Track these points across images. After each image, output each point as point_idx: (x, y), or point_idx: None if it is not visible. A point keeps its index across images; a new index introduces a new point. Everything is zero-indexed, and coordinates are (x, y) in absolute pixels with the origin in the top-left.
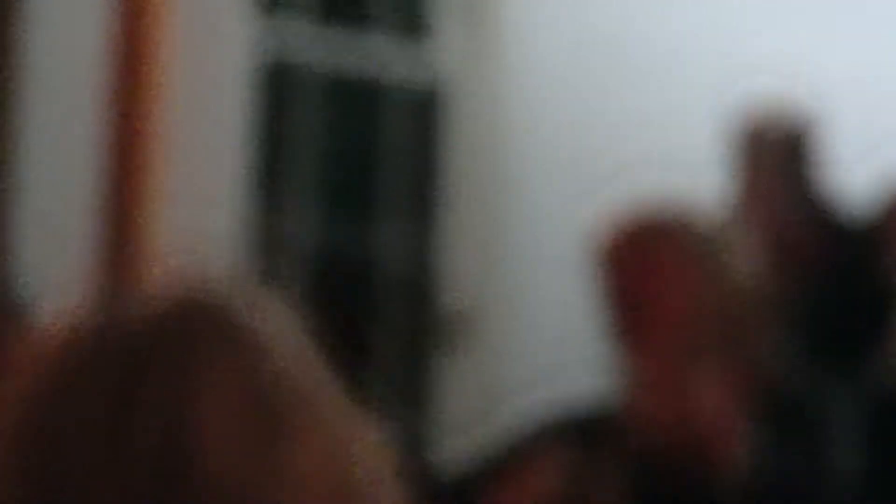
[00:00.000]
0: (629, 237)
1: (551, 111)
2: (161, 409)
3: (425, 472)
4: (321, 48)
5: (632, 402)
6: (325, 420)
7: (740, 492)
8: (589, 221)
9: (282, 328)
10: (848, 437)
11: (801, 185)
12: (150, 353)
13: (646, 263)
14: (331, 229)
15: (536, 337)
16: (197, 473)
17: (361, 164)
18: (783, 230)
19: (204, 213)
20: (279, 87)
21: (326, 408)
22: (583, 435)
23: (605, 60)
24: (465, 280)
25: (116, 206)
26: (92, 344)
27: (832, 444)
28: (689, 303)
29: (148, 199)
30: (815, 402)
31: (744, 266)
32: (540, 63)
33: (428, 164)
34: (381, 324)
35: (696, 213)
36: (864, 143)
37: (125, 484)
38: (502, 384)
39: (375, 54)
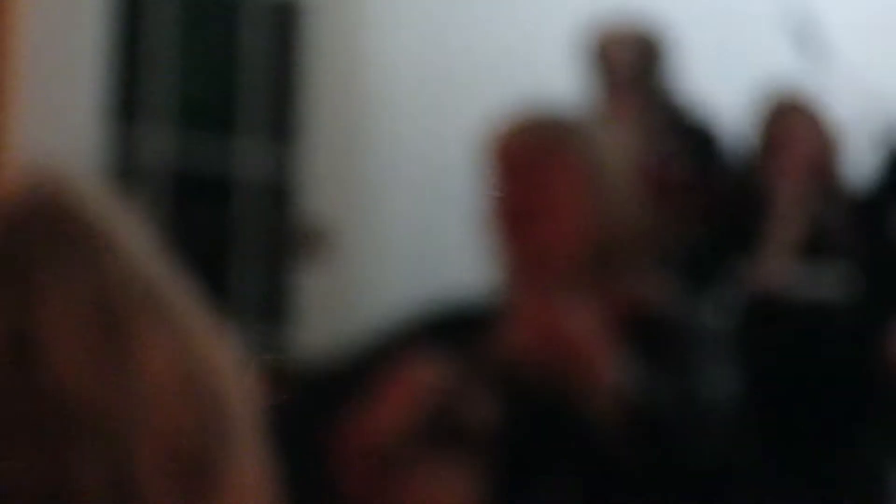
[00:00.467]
0: (528, 144)
1: (411, 27)
2: (4, 312)
3: (282, 373)
4: None
5: (505, 316)
6: (172, 321)
7: (608, 415)
8: (460, 133)
9: (131, 232)
10: (718, 359)
11: (656, 99)
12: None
13: (541, 173)
14: (189, 143)
15: (396, 250)
16: (41, 379)
17: (221, 78)
18: (649, 152)
19: (60, 129)
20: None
21: (175, 310)
22: (454, 336)
23: None
24: (324, 193)
25: None
26: None
27: (703, 370)
28: (574, 221)
29: (6, 111)
30: (685, 328)
31: (628, 190)
32: None
33: (288, 78)
34: (240, 236)
35: (589, 131)
36: (722, 64)
37: None
38: (361, 296)
39: None
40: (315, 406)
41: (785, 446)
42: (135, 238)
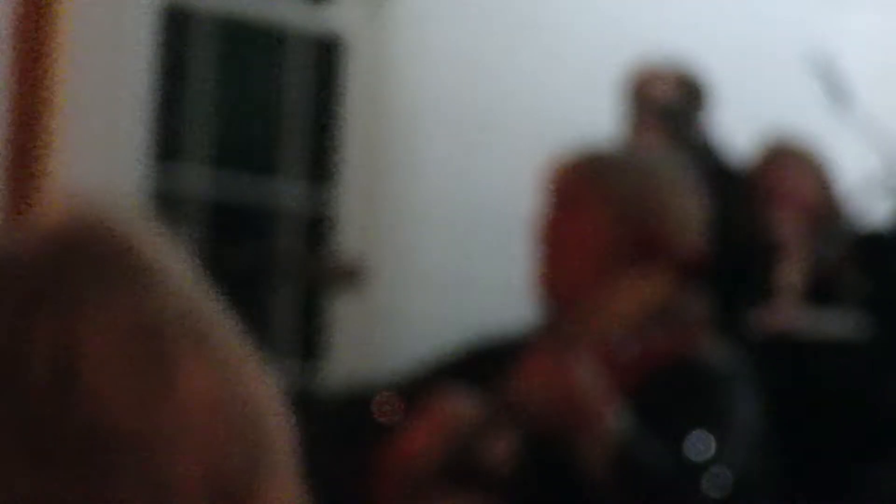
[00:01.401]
0: (575, 178)
1: (446, 64)
2: (50, 338)
3: (315, 405)
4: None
5: (526, 362)
6: (213, 349)
7: (604, 466)
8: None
9: (174, 263)
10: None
11: (686, 138)
12: (41, 283)
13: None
14: (227, 179)
15: (429, 286)
16: (84, 404)
17: (259, 117)
18: None
19: (104, 162)
20: (177, 33)
21: (215, 339)
22: (486, 369)
23: (500, 19)
24: (359, 229)
25: (18, 158)
26: None
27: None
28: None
29: (49, 148)
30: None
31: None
32: (434, 20)
33: (325, 117)
34: (276, 271)
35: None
36: (744, 104)
37: (16, 413)
38: (394, 331)
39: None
40: (346, 436)
41: (801, 479)
42: (177, 269)
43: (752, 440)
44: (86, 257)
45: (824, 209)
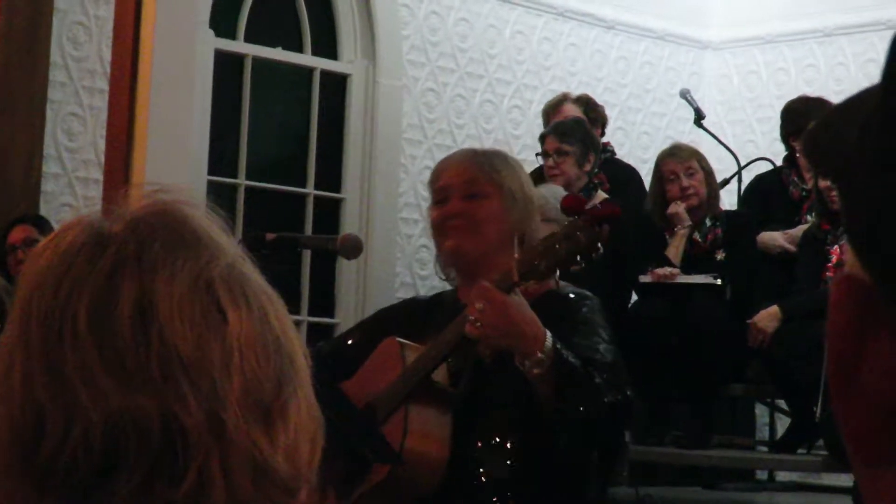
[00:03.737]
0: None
1: (417, 98)
2: (134, 292)
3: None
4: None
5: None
6: (252, 298)
7: (547, 374)
8: None
9: (221, 238)
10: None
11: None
12: (127, 251)
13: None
14: (262, 178)
15: (406, 259)
16: (157, 335)
17: (291, 141)
18: None
19: (174, 171)
20: (228, 72)
21: (254, 290)
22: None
23: (458, 61)
24: (357, 217)
25: (112, 169)
26: (90, 239)
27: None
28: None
29: (135, 160)
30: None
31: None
32: (409, 65)
33: (334, 134)
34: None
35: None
36: (633, 124)
37: (109, 346)
38: (381, 290)
39: None
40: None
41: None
42: (224, 241)
43: (611, 337)
44: (158, 233)
45: (708, 200)
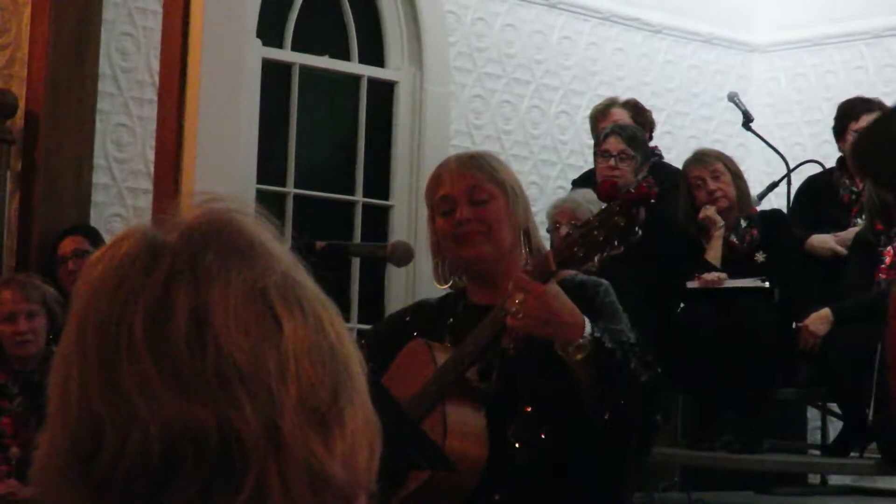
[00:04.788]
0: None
1: (463, 105)
2: (189, 303)
3: None
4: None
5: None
6: (307, 306)
7: (587, 361)
8: None
9: (275, 247)
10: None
11: (640, 149)
12: (181, 262)
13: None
14: (313, 187)
15: None
16: (213, 345)
17: (335, 142)
18: None
19: (224, 179)
20: (276, 81)
21: (308, 299)
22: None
23: (504, 68)
24: (406, 223)
25: (163, 177)
26: (144, 249)
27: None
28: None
29: (186, 167)
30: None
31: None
32: (454, 72)
33: (382, 141)
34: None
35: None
36: (681, 127)
37: (166, 355)
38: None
39: None
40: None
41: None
42: (277, 250)
43: (628, 319)
44: (212, 242)
45: (738, 202)
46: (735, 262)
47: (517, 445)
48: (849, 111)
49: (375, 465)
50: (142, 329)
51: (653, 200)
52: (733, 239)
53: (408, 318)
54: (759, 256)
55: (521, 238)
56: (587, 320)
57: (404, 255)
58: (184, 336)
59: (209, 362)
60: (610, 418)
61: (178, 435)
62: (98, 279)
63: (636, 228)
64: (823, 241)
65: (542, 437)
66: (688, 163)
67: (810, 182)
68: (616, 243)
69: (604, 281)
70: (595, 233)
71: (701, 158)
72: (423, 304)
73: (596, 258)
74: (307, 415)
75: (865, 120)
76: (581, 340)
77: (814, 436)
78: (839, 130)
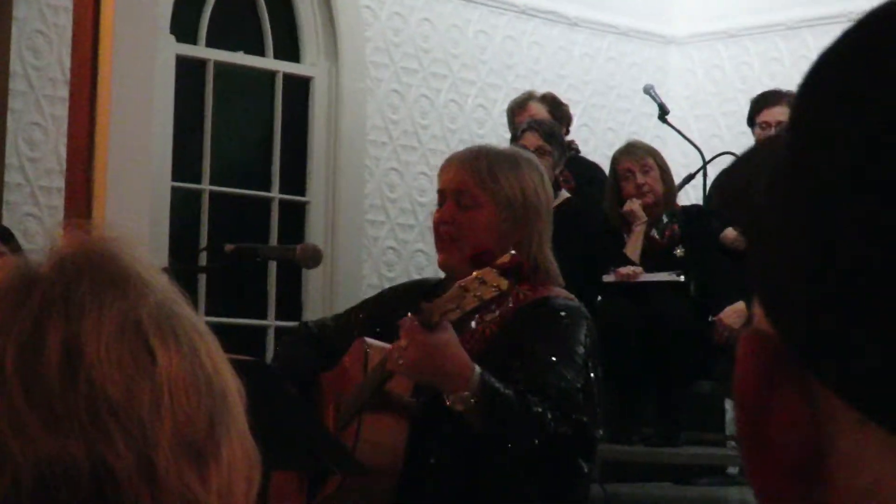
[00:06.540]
0: (472, 180)
1: (380, 99)
2: (61, 336)
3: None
4: None
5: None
6: (184, 337)
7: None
8: None
9: (152, 276)
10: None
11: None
12: (54, 294)
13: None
14: (227, 184)
15: (372, 260)
16: (85, 379)
17: (252, 144)
18: None
19: (137, 176)
20: (189, 77)
21: (185, 329)
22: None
23: (421, 61)
24: (322, 221)
25: (76, 170)
26: (17, 281)
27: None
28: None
29: (98, 163)
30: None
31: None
32: (371, 66)
33: (297, 138)
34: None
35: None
36: (598, 120)
37: (36, 391)
38: (348, 292)
39: None
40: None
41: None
42: (155, 280)
43: (583, 360)
44: (85, 273)
45: (664, 198)
46: (655, 257)
47: (431, 461)
48: (755, 104)
49: (253, 497)
50: (12, 363)
51: (521, 269)
52: (654, 234)
53: (401, 294)
54: (679, 251)
55: (509, 250)
56: (476, 369)
57: (313, 258)
58: (56, 369)
59: (81, 396)
60: (507, 464)
61: (50, 472)
62: None
63: (508, 298)
64: (738, 233)
65: (458, 459)
66: (619, 153)
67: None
68: (493, 308)
69: (582, 313)
70: (467, 296)
71: (632, 151)
72: (422, 283)
73: (474, 319)
74: (182, 448)
75: (768, 113)
76: (464, 393)
77: (732, 426)
78: (749, 123)
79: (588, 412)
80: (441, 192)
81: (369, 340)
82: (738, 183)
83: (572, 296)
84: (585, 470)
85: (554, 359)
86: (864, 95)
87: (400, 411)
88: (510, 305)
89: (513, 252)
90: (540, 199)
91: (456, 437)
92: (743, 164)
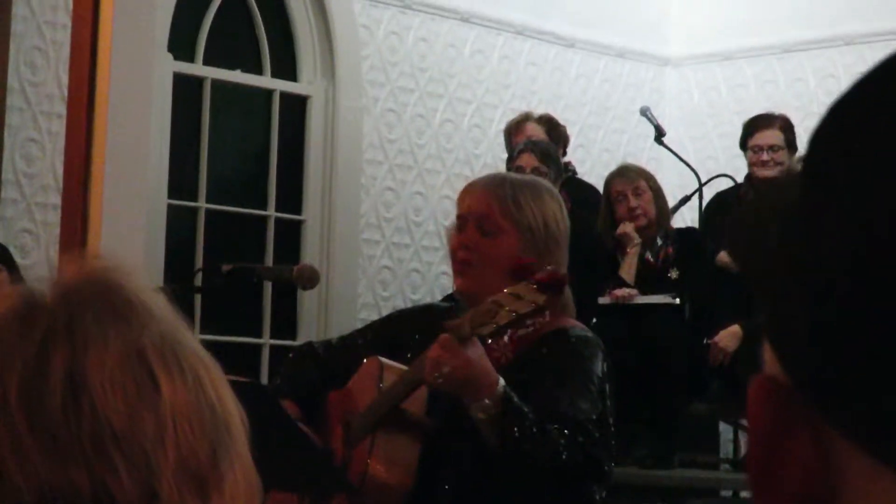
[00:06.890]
0: (492, 206)
1: (377, 117)
2: (64, 366)
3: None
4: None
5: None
6: (187, 366)
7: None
8: None
9: (155, 305)
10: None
11: (553, 165)
12: (57, 324)
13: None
14: (223, 203)
15: (369, 280)
16: (89, 409)
17: (247, 161)
18: None
19: (133, 193)
20: (186, 95)
21: (189, 358)
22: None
23: (419, 81)
24: (318, 240)
25: (74, 187)
26: (21, 310)
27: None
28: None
29: (94, 181)
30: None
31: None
32: (367, 85)
33: (294, 155)
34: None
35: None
36: (595, 141)
37: (40, 421)
38: (343, 313)
39: None
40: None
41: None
42: (158, 309)
43: (598, 390)
44: (89, 303)
45: (657, 220)
46: (649, 279)
47: (446, 487)
48: (747, 128)
49: None
50: (16, 392)
51: (561, 286)
52: (648, 256)
53: (410, 317)
54: (673, 273)
55: None
56: (501, 381)
57: (310, 279)
58: (59, 399)
59: (84, 425)
60: (518, 483)
61: (52, 499)
62: None
63: (545, 312)
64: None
65: (471, 479)
66: (612, 176)
67: (719, 197)
68: (527, 323)
69: (598, 345)
70: (503, 310)
71: (624, 173)
72: (432, 307)
73: (507, 334)
74: (185, 477)
75: (759, 137)
76: (486, 401)
77: (726, 448)
78: (741, 147)
79: (603, 443)
80: (462, 217)
81: (385, 360)
82: (748, 229)
83: (585, 326)
84: (597, 497)
85: (571, 390)
86: (871, 151)
87: (414, 430)
88: (530, 330)
89: (551, 267)
90: (560, 228)
91: (470, 462)
92: (752, 210)
